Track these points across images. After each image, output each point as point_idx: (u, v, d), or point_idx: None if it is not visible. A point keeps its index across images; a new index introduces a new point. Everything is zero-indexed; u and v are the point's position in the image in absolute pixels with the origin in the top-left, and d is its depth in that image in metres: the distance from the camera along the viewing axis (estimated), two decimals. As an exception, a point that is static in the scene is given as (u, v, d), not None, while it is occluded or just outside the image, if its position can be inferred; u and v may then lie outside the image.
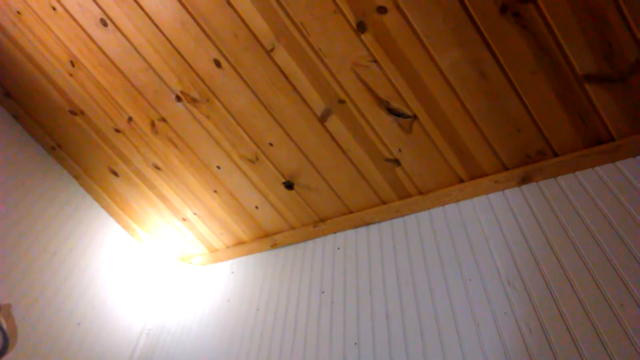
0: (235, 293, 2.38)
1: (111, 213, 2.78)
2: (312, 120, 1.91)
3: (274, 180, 2.20)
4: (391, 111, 1.78)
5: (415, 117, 1.76)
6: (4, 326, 2.06)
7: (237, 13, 1.72)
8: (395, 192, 2.02)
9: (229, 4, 1.70)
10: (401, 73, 1.67)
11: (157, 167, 2.39)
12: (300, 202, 2.24)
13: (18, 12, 2.05)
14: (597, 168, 1.62)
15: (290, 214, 2.32)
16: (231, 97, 1.96)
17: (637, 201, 1.46)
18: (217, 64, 1.88)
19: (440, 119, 1.74)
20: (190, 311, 2.52)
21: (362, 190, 2.07)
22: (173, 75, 1.99)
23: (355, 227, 2.15)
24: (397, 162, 1.91)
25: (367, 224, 2.11)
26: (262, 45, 1.77)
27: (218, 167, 2.25)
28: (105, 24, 1.94)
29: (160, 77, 2.02)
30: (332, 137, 1.93)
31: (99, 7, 1.89)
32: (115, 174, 2.55)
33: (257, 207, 2.36)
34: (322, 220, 2.27)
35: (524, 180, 1.75)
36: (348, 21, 1.61)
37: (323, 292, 2.00)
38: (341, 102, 1.81)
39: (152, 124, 2.20)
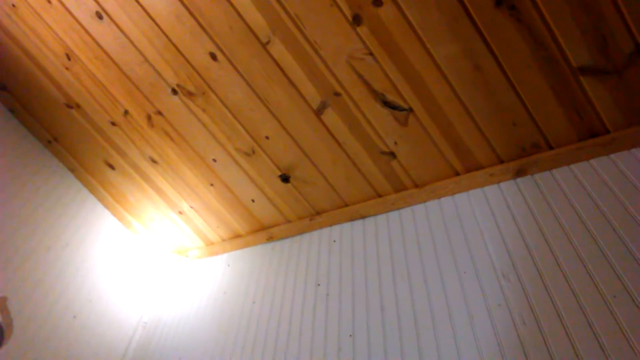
0: (232, 286, 2.38)
1: (107, 206, 2.78)
2: (308, 113, 1.91)
3: (270, 174, 2.20)
4: (387, 104, 1.78)
5: (410, 110, 1.76)
6: (0, 319, 2.06)
7: (233, 6, 1.71)
8: (391, 185, 2.02)
9: (225, -4, 1.70)
10: (397, 66, 1.67)
11: (153, 160, 2.39)
12: (297, 195, 2.24)
13: (13, 5, 2.04)
14: (592, 161, 1.62)
15: (286, 207, 2.32)
16: (227, 90, 1.96)
17: (632, 194, 1.46)
18: (213, 57, 1.88)
19: (436, 112, 1.74)
20: (186, 304, 2.53)
21: (358, 183, 2.07)
22: (169, 68, 1.98)
23: (351, 220, 2.15)
24: (392, 155, 1.91)
25: (363, 216, 2.12)
26: (257, 38, 1.77)
27: (214, 160, 2.25)
28: (100, 17, 1.93)
29: (156, 70, 2.01)
30: (328, 130, 1.93)
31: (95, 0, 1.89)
32: (111, 167, 2.55)
33: (253, 200, 2.36)
34: (318, 213, 2.27)
35: (519, 173, 1.75)
36: (344, 14, 1.61)
37: (319, 285, 2.01)
38: (337, 95, 1.81)
39: (148, 117, 2.20)
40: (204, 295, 2.47)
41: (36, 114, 2.47)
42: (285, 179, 2.19)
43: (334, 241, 2.13)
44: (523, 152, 1.75)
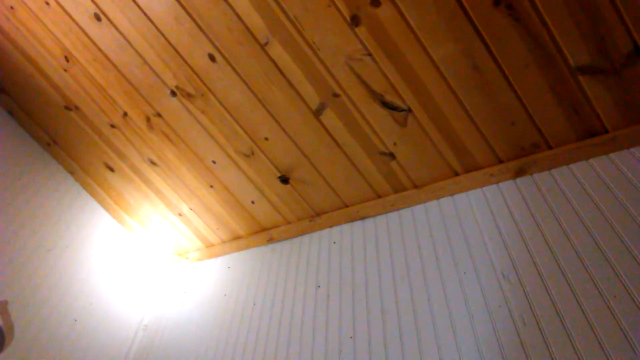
0: (232, 288, 2.38)
1: (107, 208, 2.77)
2: (307, 115, 1.91)
3: (270, 175, 2.20)
4: (386, 105, 1.78)
5: (409, 110, 1.76)
6: (0, 323, 2.06)
7: (231, 7, 1.71)
8: (391, 185, 2.02)
9: (223, -2, 1.70)
10: (395, 66, 1.67)
11: (152, 162, 2.39)
12: (296, 197, 2.24)
13: (11, 7, 2.04)
14: (591, 160, 1.62)
15: (286, 208, 2.32)
16: (226, 92, 1.96)
17: (631, 194, 1.46)
18: (212, 58, 1.88)
19: (435, 113, 1.74)
20: (187, 306, 2.52)
21: (357, 184, 2.07)
22: (168, 70, 1.98)
23: (351, 221, 2.15)
24: (392, 155, 1.91)
25: (363, 218, 2.11)
26: (256, 40, 1.77)
27: (213, 162, 2.25)
28: (99, 19, 1.93)
29: (155, 72, 2.01)
30: (327, 131, 1.93)
31: (93, 1, 1.88)
32: (110, 169, 2.54)
33: (253, 202, 2.36)
34: (318, 214, 2.27)
35: (519, 173, 1.75)
36: (342, 15, 1.60)
37: (319, 287, 2.01)
38: (336, 96, 1.81)
39: (147, 119, 2.20)
40: (205, 298, 2.47)
41: (35, 116, 2.47)
42: (284, 180, 2.19)
43: (334, 242, 2.13)
44: (522, 152, 1.75)
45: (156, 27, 1.87)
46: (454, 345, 1.48)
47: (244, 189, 2.31)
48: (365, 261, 1.95)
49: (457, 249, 1.72)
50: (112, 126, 2.31)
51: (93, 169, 2.59)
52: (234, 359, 2.03)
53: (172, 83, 2.02)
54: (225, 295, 2.37)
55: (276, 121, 1.98)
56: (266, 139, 2.05)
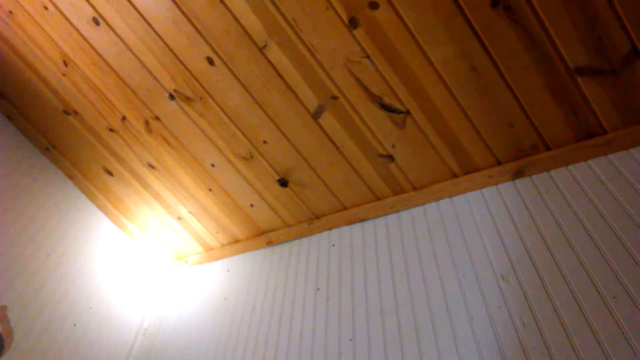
0: (232, 291, 2.38)
1: (106, 213, 2.77)
2: (306, 117, 1.91)
3: (269, 178, 2.20)
4: (384, 107, 1.78)
5: (408, 112, 1.76)
6: (0, 329, 2.06)
7: (229, 10, 1.72)
8: (390, 187, 2.02)
9: (221, 1, 1.70)
10: (394, 68, 1.67)
11: (151, 166, 2.39)
12: (295, 199, 2.24)
13: (10, 12, 2.04)
14: (590, 161, 1.62)
15: (285, 211, 2.32)
16: (224, 95, 1.96)
17: (630, 194, 1.46)
18: (210, 61, 1.88)
19: (433, 114, 1.74)
20: (186, 310, 2.52)
21: (356, 186, 2.07)
22: (166, 73, 1.98)
23: (350, 223, 2.15)
24: (390, 157, 1.91)
25: (362, 220, 2.11)
26: (254, 43, 1.77)
27: (212, 165, 2.25)
28: (97, 23, 1.93)
29: (153, 75, 2.01)
30: (326, 134, 1.93)
31: (91, 5, 1.89)
32: (109, 173, 2.54)
33: (252, 205, 2.36)
34: (317, 217, 2.27)
35: (517, 174, 1.75)
36: (340, 17, 1.61)
37: (318, 289, 2.00)
38: (334, 98, 1.81)
39: (146, 123, 2.20)
40: (204, 301, 2.46)
41: (34, 120, 2.47)
42: (283, 183, 2.19)
43: (333, 245, 2.13)
44: (521, 153, 1.75)
45: (154, 31, 1.87)
46: (453, 347, 1.48)
47: (243, 192, 2.31)
48: (365, 263, 1.94)
49: (456, 251, 1.72)
50: (111, 130, 2.31)
51: (92, 173, 2.59)
52: (233, 363, 2.04)
53: (170, 87, 2.02)
54: (225, 298, 2.37)
55: (275, 124, 1.98)
56: (265, 142, 2.05)
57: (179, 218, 2.62)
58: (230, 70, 1.87)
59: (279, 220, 2.38)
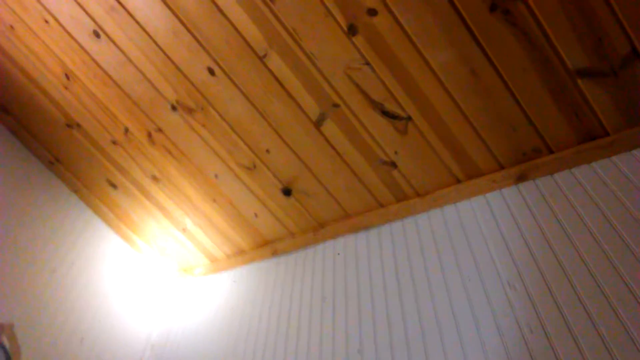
0: (238, 302, 2.37)
1: (111, 225, 2.78)
2: (308, 125, 1.91)
3: (272, 187, 2.19)
4: (386, 113, 1.77)
5: (409, 118, 1.76)
6: (7, 346, 2.05)
7: (229, 21, 1.72)
8: (393, 194, 2.01)
9: (221, 12, 1.71)
10: (394, 75, 1.67)
11: (155, 178, 2.40)
12: (299, 209, 2.23)
13: (11, 27, 2.06)
14: (593, 163, 1.61)
15: (289, 220, 2.31)
16: (226, 105, 1.97)
17: (634, 195, 1.45)
18: (211, 72, 1.88)
19: (435, 120, 1.73)
20: (193, 322, 2.51)
21: (360, 194, 2.06)
22: (168, 85, 1.99)
23: (355, 231, 2.14)
24: (393, 164, 1.91)
25: (367, 228, 2.10)
26: (254, 52, 1.78)
27: (216, 176, 2.25)
28: (98, 36, 1.94)
29: (155, 87, 2.02)
30: (328, 142, 1.93)
31: (92, 18, 1.90)
32: (113, 186, 2.55)
33: (256, 215, 2.35)
34: (322, 225, 2.26)
35: (521, 178, 1.74)
36: (339, 24, 1.61)
37: (325, 299, 1.99)
38: (335, 106, 1.81)
39: (149, 135, 2.21)
40: (211, 313, 2.46)
41: (37, 134, 2.48)
42: (287, 192, 2.18)
43: (338, 254, 2.12)
44: (524, 157, 1.74)
45: (155, 43, 1.88)
46: (461, 354, 1.46)
47: (247, 202, 2.31)
48: (370, 271, 1.93)
49: (461, 257, 1.70)
50: (114, 142, 2.32)
51: (96, 186, 2.60)
52: (240, 374, 2.03)
53: (172, 98, 2.02)
54: (231, 310, 2.36)
55: (277, 133, 1.98)
56: (267, 151, 2.05)
57: (184, 230, 2.62)
58: (232, 80, 1.88)
59: (283, 230, 2.38)
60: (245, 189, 2.25)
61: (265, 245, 2.49)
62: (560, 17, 1.41)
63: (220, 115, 2.01)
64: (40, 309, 2.25)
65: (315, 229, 2.29)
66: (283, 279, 2.27)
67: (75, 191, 2.67)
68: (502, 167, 1.79)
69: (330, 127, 1.88)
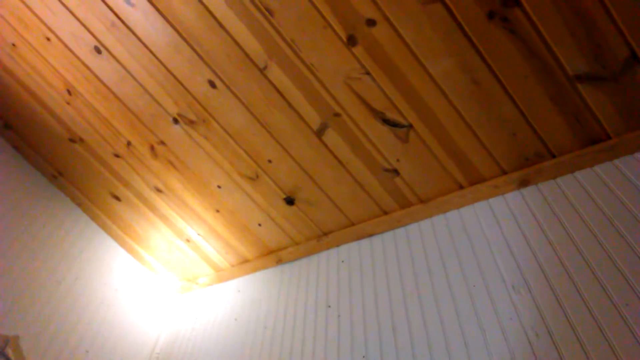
0: (243, 312, 2.37)
1: (115, 238, 2.78)
2: (309, 135, 1.91)
3: (275, 197, 2.20)
4: (387, 122, 1.78)
5: (411, 126, 1.76)
6: (12, 358, 2.06)
7: (229, 34, 1.73)
8: (396, 201, 2.02)
9: (221, 25, 1.72)
10: (394, 84, 1.68)
11: (158, 190, 2.40)
12: (303, 217, 2.24)
13: (13, 45, 2.07)
14: (596, 167, 1.62)
15: (293, 229, 2.32)
16: (228, 117, 1.97)
17: (637, 198, 1.45)
18: (212, 84, 1.89)
19: (436, 127, 1.74)
20: (198, 332, 2.52)
21: (363, 201, 2.07)
22: (169, 98, 2.00)
23: (359, 239, 2.15)
24: (396, 172, 1.91)
25: (370, 235, 2.11)
26: (255, 64, 1.78)
27: (219, 187, 2.26)
28: (99, 52, 1.95)
29: (156, 100, 2.03)
30: (330, 151, 1.93)
31: (92, 35, 1.91)
32: (117, 198, 2.56)
33: (260, 225, 2.36)
34: (325, 234, 2.27)
35: (523, 183, 1.75)
36: (338, 35, 1.62)
37: (329, 307, 2.00)
38: (336, 115, 1.82)
39: (151, 148, 2.22)
40: (216, 323, 2.46)
41: (40, 150, 2.49)
42: (290, 201, 2.19)
43: (342, 261, 2.13)
44: (526, 162, 1.75)
45: (156, 57, 1.89)
46: (467, 360, 1.47)
47: (250, 212, 2.32)
48: (375, 279, 1.94)
49: (465, 263, 1.71)
50: (117, 156, 2.33)
51: (100, 199, 2.61)
52: (247, 384, 2.03)
53: (174, 111, 2.03)
54: (236, 319, 2.36)
55: (279, 143, 1.99)
56: (270, 161, 2.06)
57: (188, 240, 2.62)
58: (232, 92, 1.89)
59: (287, 239, 2.38)
60: (248, 199, 2.26)
61: (269, 254, 2.49)
62: (558, 23, 1.42)
63: (221, 126, 2.01)
64: (45, 321, 2.26)
65: (318, 237, 2.29)
66: (287, 288, 2.27)
67: (79, 204, 2.68)
68: (504, 173, 1.80)
69: (331, 136, 1.89)
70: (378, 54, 1.62)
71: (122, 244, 2.80)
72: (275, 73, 1.78)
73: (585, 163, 1.64)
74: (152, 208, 2.53)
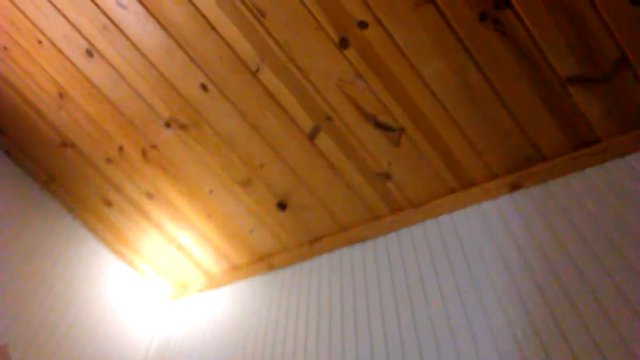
0: (235, 318, 2.36)
1: (107, 244, 2.77)
2: (301, 139, 1.91)
3: (267, 202, 2.19)
4: (379, 125, 1.78)
5: (402, 129, 1.77)
6: (2, 367, 2.04)
7: (221, 37, 1.73)
8: (388, 206, 2.02)
9: (213, 28, 1.72)
10: (386, 86, 1.68)
11: (150, 195, 2.39)
12: (295, 223, 2.23)
13: (5, 48, 2.07)
14: (586, 170, 1.61)
15: (285, 234, 2.31)
16: (220, 121, 1.97)
17: (627, 202, 1.45)
18: (204, 88, 1.89)
19: (428, 131, 1.74)
20: (190, 339, 2.50)
21: (355, 206, 2.06)
22: (161, 102, 2.00)
23: (351, 244, 2.14)
24: (387, 175, 1.91)
25: (362, 240, 2.10)
26: (247, 67, 1.78)
27: (211, 192, 2.25)
28: (91, 55, 1.95)
29: (148, 104, 2.03)
30: (322, 155, 1.93)
31: (84, 37, 1.91)
32: (108, 204, 2.54)
33: (251, 230, 2.35)
34: (317, 239, 2.26)
35: (515, 186, 1.74)
36: (330, 38, 1.62)
37: (321, 313, 1.99)
38: (329, 118, 1.82)
39: (143, 152, 2.21)
40: (208, 329, 2.44)
41: (32, 154, 2.48)
42: (282, 206, 2.18)
43: (334, 267, 2.12)
44: (517, 165, 1.75)
45: (148, 60, 1.89)
46: (459, 364, 1.46)
47: (242, 217, 2.31)
48: (366, 284, 1.93)
49: (457, 268, 1.70)
50: (109, 161, 2.32)
51: (91, 204, 2.59)
52: (238, 390, 2.01)
53: (166, 115, 2.03)
54: (228, 325, 2.35)
55: (271, 147, 1.98)
56: (262, 165, 2.05)
57: (180, 246, 2.61)
58: (225, 96, 1.89)
59: (279, 244, 2.37)
60: (240, 204, 2.25)
61: (261, 260, 2.48)
62: (549, 25, 1.42)
63: (214, 130, 2.01)
64: (36, 329, 2.23)
65: (311, 242, 2.28)
66: (279, 294, 2.26)
67: (71, 210, 2.66)
68: (496, 176, 1.80)
69: (323, 140, 1.89)
70: (370, 56, 1.63)
71: (114, 249, 2.78)
72: (268, 76, 1.78)
73: (576, 166, 1.64)
74: (144, 213, 2.51)
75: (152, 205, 2.45)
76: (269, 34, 1.67)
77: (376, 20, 1.54)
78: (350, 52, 1.64)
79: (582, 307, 1.34)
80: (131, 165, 2.29)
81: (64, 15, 1.88)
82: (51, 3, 1.87)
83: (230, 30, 1.71)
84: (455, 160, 1.79)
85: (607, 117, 1.55)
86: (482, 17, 1.45)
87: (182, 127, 2.04)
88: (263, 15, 1.64)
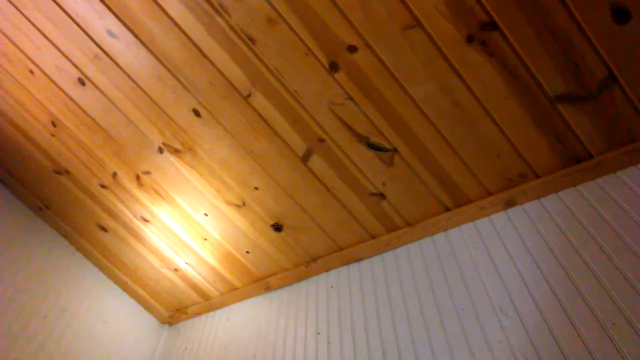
0: (232, 340, 2.35)
1: (103, 269, 2.76)
2: (295, 161, 1.92)
3: (263, 224, 2.19)
4: (371, 146, 1.79)
5: (395, 150, 1.77)
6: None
7: (212, 63, 1.74)
8: (383, 225, 2.02)
9: (204, 55, 1.73)
10: (377, 108, 1.69)
11: (145, 220, 2.39)
12: (290, 243, 2.23)
13: (-4, 78, 2.07)
14: (579, 187, 1.63)
15: (281, 256, 2.31)
16: (213, 145, 1.98)
17: (620, 217, 1.46)
18: (197, 113, 1.90)
19: (420, 150, 1.75)
20: (189, 363, 2.49)
21: (350, 226, 2.07)
22: (154, 127, 2.00)
23: (347, 263, 2.14)
24: (382, 195, 1.92)
25: (358, 259, 2.10)
26: (239, 92, 1.79)
27: (206, 215, 2.25)
28: (83, 83, 1.96)
29: (141, 130, 2.03)
30: (316, 176, 1.94)
31: (76, 66, 1.92)
32: (104, 229, 2.54)
33: (248, 252, 2.35)
34: (314, 259, 2.26)
35: (508, 204, 1.75)
36: (320, 62, 1.63)
37: (319, 333, 1.98)
38: (321, 141, 1.83)
39: (137, 178, 2.21)
40: (206, 353, 2.43)
41: (26, 182, 2.48)
42: (277, 228, 2.18)
43: (331, 287, 2.12)
44: (510, 182, 1.76)
45: (139, 87, 1.89)
46: (458, 384, 1.46)
47: (238, 240, 2.31)
48: (364, 303, 1.93)
49: (453, 285, 1.70)
50: (103, 187, 2.32)
51: (86, 230, 2.59)
52: (238, 415, 2.00)
53: (159, 140, 2.03)
54: (226, 349, 2.34)
55: (265, 170, 1.99)
56: (256, 188, 2.06)
57: (176, 270, 2.60)
58: (217, 121, 1.89)
59: (275, 266, 2.37)
60: (235, 227, 2.25)
61: (258, 281, 2.48)
62: (536, 45, 1.44)
63: (207, 155, 2.02)
64: (33, 355, 2.22)
65: (307, 263, 2.28)
66: (277, 315, 2.26)
67: (66, 236, 2.66)
68: (489, 194, 1.81)
69: (317, 162, 1.89)
70: (360, 79, 1.64)
71: (110, 275, 2.77)
72: (259, 100, 1.79)
73: (568, 183, 1.65)
74: (139, 238, 2.51)
75: (148, 230, 2.44)
76: (260, 59, 1.68)
77: (365, 44, 1.56)
78: (340, 76, 1.65)
79: (579, 322, 1.34)
80: (125, 190, 2.29)
81: (55, 46, 1.89)
82: (42, 34, 1.87)
83: (221, 56, 1.72)
84: (448, 178, 1.80)
85: (596, 133, 1.57)
86: (469, 39, 1.47)
87: (176, 152, 2.05)
88: (253, 42, 1.65)
